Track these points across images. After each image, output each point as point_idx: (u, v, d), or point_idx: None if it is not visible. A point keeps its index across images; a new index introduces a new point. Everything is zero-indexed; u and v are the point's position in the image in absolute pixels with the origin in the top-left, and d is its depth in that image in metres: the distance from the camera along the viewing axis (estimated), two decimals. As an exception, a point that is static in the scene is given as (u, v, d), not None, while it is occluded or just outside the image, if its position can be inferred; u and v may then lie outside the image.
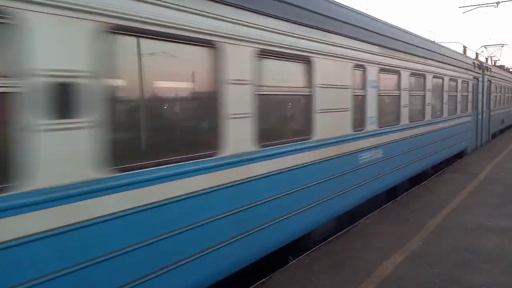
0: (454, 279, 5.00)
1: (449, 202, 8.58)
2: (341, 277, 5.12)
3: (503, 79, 23.52)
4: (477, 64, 16.57)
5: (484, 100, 17.88)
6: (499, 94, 22.43)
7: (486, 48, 29.46)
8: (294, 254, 5.79)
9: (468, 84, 14.60)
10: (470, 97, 15.03)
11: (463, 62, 14.17)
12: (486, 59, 25.77)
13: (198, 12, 3.87)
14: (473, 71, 15.52)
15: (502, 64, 30.10)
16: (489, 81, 18.76)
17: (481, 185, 10.30)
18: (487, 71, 18.20)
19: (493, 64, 27.68)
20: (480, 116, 17.22)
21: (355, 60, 6.77)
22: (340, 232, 6.71)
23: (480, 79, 16.88)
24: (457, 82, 13.07)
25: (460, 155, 14.61)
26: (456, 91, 13.08)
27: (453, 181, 10.88)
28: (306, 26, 5.41)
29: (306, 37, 5.44)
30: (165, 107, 3.97)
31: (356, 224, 7.19)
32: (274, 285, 4.89)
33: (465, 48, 19.96)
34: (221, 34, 4.12)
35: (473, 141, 16.24)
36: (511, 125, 28.27)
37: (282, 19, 4.97)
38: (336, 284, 4.94)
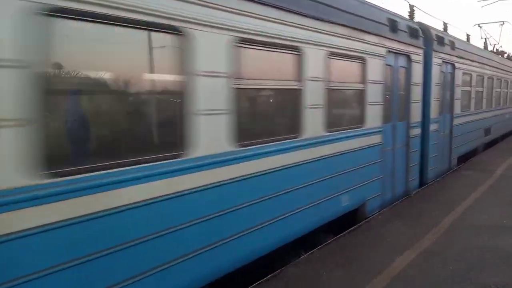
0: (468, 277, 4.96)
1: (464, 200, 8.47)
2: (352, 272, 5.12)
3: (488, 65, 14.59)
4: (407, 26, 8.15)
5: (433, 99, 9.59)
6: (480, 89, 13.81)
7: (480, 27, 22.02)
8: (306, 248, 5.81)
9: (365, 64, 6.64)
10: (375, 93, 7.02)
11: (337, 9, 6.02)
12: (468, 36, 16.58)
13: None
14: (391, 39, 7.46)
15: (502, 49, 22.48)
16: (451, 64, 10.78)
17: (497, 182, 10.14)
18: (442, 45, 9.99)
19: (488, 47, 21.22)
20: (417, 131, 8.90)
21: None
22: (352, 228, 6.69)
23: (419, 58, 8.76)
24: (305, 58, 5.29)
25: (350, 219, 6.81)
26: (298, 80, 5.28)
27: (468, 178, 10.72)
28: None
29: None
30: None
31: (369, 220, 7.16)
32: (285, 279, 4.92)
33: (412, 8, 10.48)
34: None
35: (388, 186, 7.87)
36: (504, 135, 18.90)
37: None
38: (347, 279, 4.94)
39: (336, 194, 6.16)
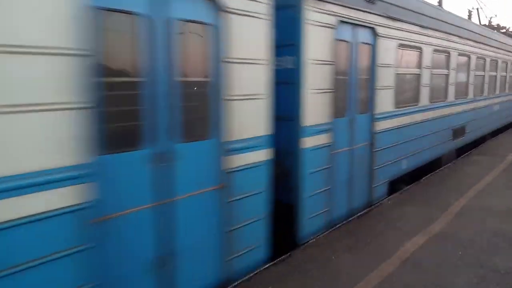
0: (478, 262, 4.91)
1: (475, 184, 8.37)
2: (361, 256, 5.10)
3: (462, 37, 10.34)
4: None
5: (311, 91, 5.20)
6: (443, 72, 9.47)
7: None
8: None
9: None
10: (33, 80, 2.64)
11: None
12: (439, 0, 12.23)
13: None
14: None
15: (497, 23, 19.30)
16: (366, 28, 6.30)
17: (510, 167, 9.99)
18: None
19: (479, 20, 17.42)
20: (252, 157, 4.36)
21: None
22: (362, 212, 6.65)
23: (260, 9, 4.27)
24: None
25: None
26: None
27: (480, 162, 10.58)
28: None
29: None
30: None
31: (378, 204, 7.11)
32: (294, 263, 4.92)
33: None
34: None
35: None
36: (494, 131, 15.09)
37: None
38: (356, 263, 4.92)
39: None
